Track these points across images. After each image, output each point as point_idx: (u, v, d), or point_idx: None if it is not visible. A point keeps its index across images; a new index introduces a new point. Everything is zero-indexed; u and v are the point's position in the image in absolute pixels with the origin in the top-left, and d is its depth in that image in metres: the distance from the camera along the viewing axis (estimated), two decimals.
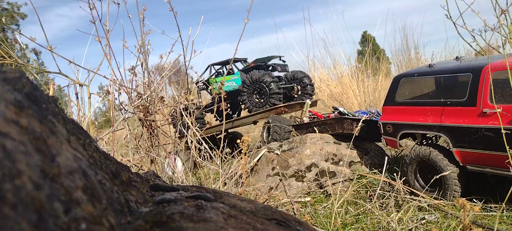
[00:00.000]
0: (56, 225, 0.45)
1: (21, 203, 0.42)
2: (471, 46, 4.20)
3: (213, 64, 7.52)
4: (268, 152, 5.00)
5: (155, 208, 0.85)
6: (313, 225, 3.24)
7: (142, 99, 3.76)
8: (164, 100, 4.04)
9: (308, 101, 6.50)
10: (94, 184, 0.62)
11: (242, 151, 3.12)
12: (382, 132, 4.29)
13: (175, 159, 5.74)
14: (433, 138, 4.35)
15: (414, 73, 4.16)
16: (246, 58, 7.75)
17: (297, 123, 5.98)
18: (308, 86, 7.10)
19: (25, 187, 0.43)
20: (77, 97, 3.49)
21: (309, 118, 6.17)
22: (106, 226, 0.56)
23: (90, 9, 3.33)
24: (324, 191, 4.36)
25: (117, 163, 0.97)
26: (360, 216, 3.49)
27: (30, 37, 3.17)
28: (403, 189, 3.74)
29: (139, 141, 3.94)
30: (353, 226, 3.31)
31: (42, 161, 0.51)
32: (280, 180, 4.52)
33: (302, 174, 4.55)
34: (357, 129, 4.54)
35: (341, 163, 4.65)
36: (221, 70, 7.60)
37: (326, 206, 3.87)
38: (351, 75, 9.50)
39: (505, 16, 3.25)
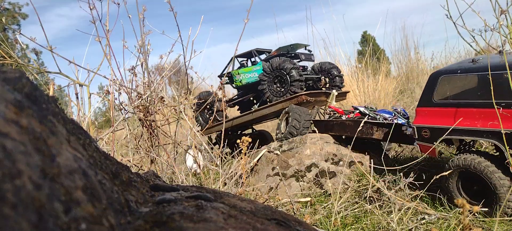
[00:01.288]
0: (56, 225, 0.45)
1: (21, 203, 0.42)
2: (471, 46, 4.16)
3: (236, 56, 7.15)
4: (268, 152, 5.00)
5: (155, 208, 0.85)
6: (313, 225, 3.24)
7: (142, 99, 3.77)
8: (164, 101, 4.04)
9: (334, 92, 6.04)
10: (94, 184, 0.62)
11: (242, 151, 3.12)
12: (416, 137, 3.73)
13: (187, 156, 5.72)
14: (470, 143, 3.86)
15: (456, 69, 3.55)
16: (271, 50, 7.32)
17: (318, 118, 5.48)
18: (337, 77, 6.64)
19: (25, 187, 0.44)
20: (77, 97, 3.49)
21: (329, 113, 5.60)
22: (106, 226, 0.57)
23: (90, 9, 3.33)
24: (324, 191, 4.36)
25: (117, 163, 0.97)
26: (360, 216, 3.49)
27: (30, 37, 3.18)
28: (406, 188, 3.73)
29: (139, 141, 3.95)
30: (353, 226, 3.31)
31: (42, 161, 0.51)
32: (280, 180, 4.52)
33: (302, 174, 4.55)
34: (378, 134, 4.11)
35: (341, 163, 4.65)
36: (244, 62, 7.24)
37: (326, 206, 3.87)
38: (351, 75, 9.50)
39: (505, 16, 3.25)
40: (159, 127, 4.02)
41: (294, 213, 3.51)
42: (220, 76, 7.42)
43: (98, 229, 0.53)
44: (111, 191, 0.76)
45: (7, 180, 0.42)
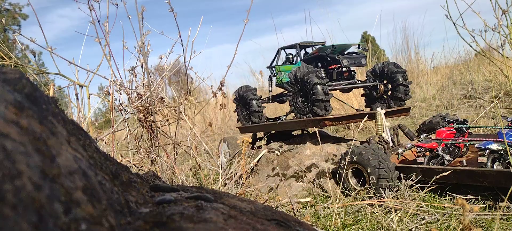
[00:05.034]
0: (56, 225, 0.45)
1: (21, 203, 0.42)
2: (471, 46, 4.15)
3: (283, 48, 5.96)
4: (268, 152, 5.00)
5: (155, 208, 0.85)
6: (313, 225, 3.24)
7: (142, 100, 3.77)
8: (164, 101, 4.04)
9: (380, 111, 4.38)
10: (94, 184, 0.62)
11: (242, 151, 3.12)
12: None
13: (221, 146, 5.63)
14: None
15: None
16: (319, 44, 5.87)
17: (378, 147, 3.73)
18: (401, 87, 4.82)
19: (25, 188, 0.44)
20: (77, 98, 3.50)
21: (417, 154, 3.72)
22: (106, 226, 0.57)
23: (90, 10, 3.33)
24: (324, 191, 4.37)
25: (117, 163, 0.97)
26: (360, 217, 3.49)
27: (30, 38, 3.18)
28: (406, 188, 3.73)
29: (139, 141, 3.95)
30: (353, 227, 3.31)
31: (42, 162, 0.51)
32: (280, 180, 4.52)
33: (302, 175, 4.55)
34: None
35: None
36: (290, 56, 5.90)
37: (326, 206, 3.87)
38: None
39: (505, 16, 3.25)
40: (159, 128, 4.02)
41: (294, 214, 3.51)
42: (269, 67, 6.19)
43: (98, 229, 0.54)
44: (111, 191, 0.76)
45: (7, 181, 0.42)
